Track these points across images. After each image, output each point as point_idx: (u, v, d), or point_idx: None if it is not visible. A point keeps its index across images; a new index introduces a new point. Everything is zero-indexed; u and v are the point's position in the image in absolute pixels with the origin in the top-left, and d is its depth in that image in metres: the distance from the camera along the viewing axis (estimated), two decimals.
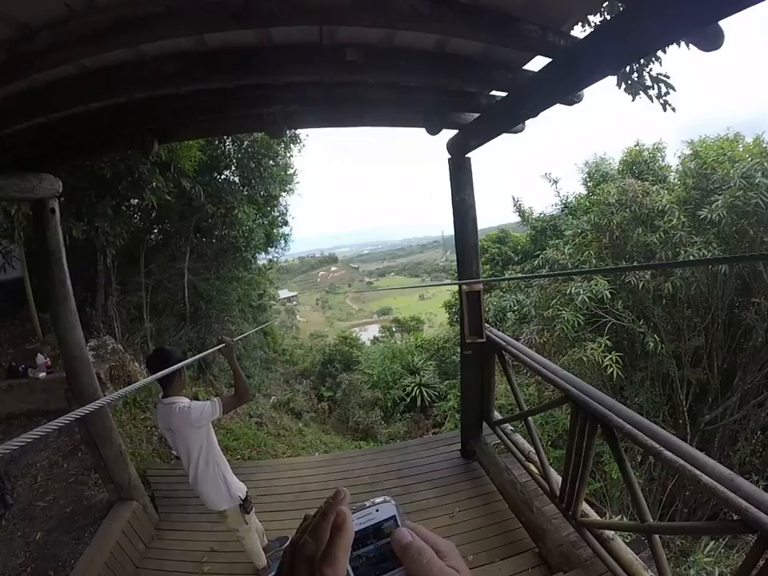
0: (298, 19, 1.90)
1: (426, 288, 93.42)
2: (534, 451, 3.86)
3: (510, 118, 3.13)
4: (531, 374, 8.48)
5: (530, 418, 3.81)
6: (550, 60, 2.37)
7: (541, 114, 2.74)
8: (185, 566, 3.74)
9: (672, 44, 1.65)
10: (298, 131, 12.28)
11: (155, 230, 10.56)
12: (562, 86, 2.35)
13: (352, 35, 2.34)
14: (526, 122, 3.29)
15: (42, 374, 6.16)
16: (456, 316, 14.20)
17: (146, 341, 9.10)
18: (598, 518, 3.17)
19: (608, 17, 2.28)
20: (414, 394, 15.73)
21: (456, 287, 3.96)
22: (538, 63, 2.79)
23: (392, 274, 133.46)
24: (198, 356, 2.59)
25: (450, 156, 3.91)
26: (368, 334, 35.51)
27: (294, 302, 73.16)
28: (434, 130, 3.56)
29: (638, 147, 10.46)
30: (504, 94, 3.07)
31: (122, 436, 5.39)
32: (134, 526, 3.99)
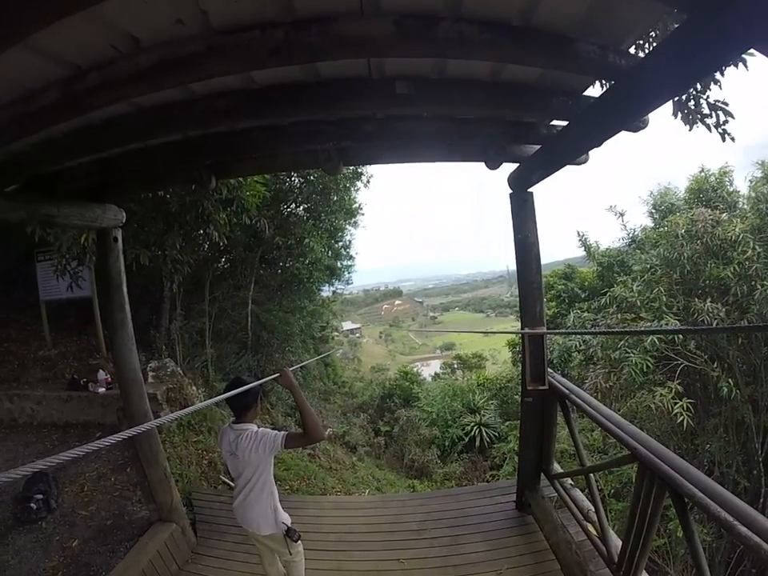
0: (342, 52, 1.85)
1: (491, 324, 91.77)
2: (593, 510, 3.52)
3: (572, 149, 2.93)
4: None
5: (591, 474, 3.49)
6: (612, 83, 2.21)
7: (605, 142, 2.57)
8: None
9: (744, 53, 1.46)
10: (362, 167, 12.53)
11: (222, 260, 10.89)
12: (627, 111, 2.15)
13: (402, 66, 2.28)
14: (590, 152, 3.12)
15: (102, 390, 6.41)
16: (519, 354, 13.71)
17: (207, 366, 9.31)
18: None
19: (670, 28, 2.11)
20: (473, 433, 15.27)
21: (518, 323, 3.78)
22: (597, 92, 2.64)
23: (456, 308, 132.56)
24: (253, 384, 2.56)
25: (511, 191, 3.73)
26: (430, 369, 35.11)
27: (357, 334, 73.75)
28: (493, 165, 3.43)
29: (703, 173, 9.83)
30: (565, 123, 2.90)
31: (172, 457, 5.54)
32: (170, 547, 4.04)
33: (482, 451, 14.85)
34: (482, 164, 3.46)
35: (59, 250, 5.33)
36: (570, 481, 4.03)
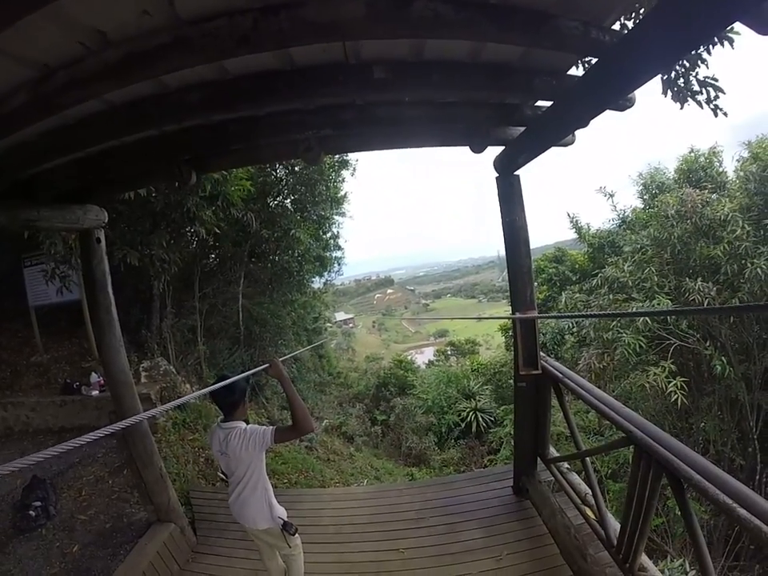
0: (313, 37, 1.80)
1: (483, 309, 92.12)
2: (590, 493, 3.53)
3: (557, 130, 2.87)
4: None
5: (587, 458, 3.50)
6: (596, 60, 2.17)
7: (591, 123, 2.54)
8: None
9: (729, 26, 1.43)
10: (348, 156, 12.45)
11: (212, 256, 10.82)
12: (612, 88, 2.09)
13: (378, 50, 2.21)
14: (577, 132, 3.08)
15: (95, 392, 6.32)
16: (512, 339, 13.71)
17: (200, 363, 9.25)
18: (659, 573, 2.82)
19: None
20: (469, 419, 15.33)
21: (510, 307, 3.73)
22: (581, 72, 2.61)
23: (448, 295, 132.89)
24: (241, 375, 2.55)
25: (497, 175, 3.69)
26: (424, 356, 35.14)
27: (351, 325, 73.68)
28: (478, 148, 3.38)
29: (692, 154, 9.85)
30: (549, 103, 2.86)
31: (169, 456, 5.54)
32: (169, 547, 4.03)
33: (478, 436, 14.91)
34: (467, 148, 3.41)
35: (50, 249, 5.23)
36: (566, 465, 4.04)
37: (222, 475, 5.97)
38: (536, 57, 2.41)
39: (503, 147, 3.51)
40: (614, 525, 3.14)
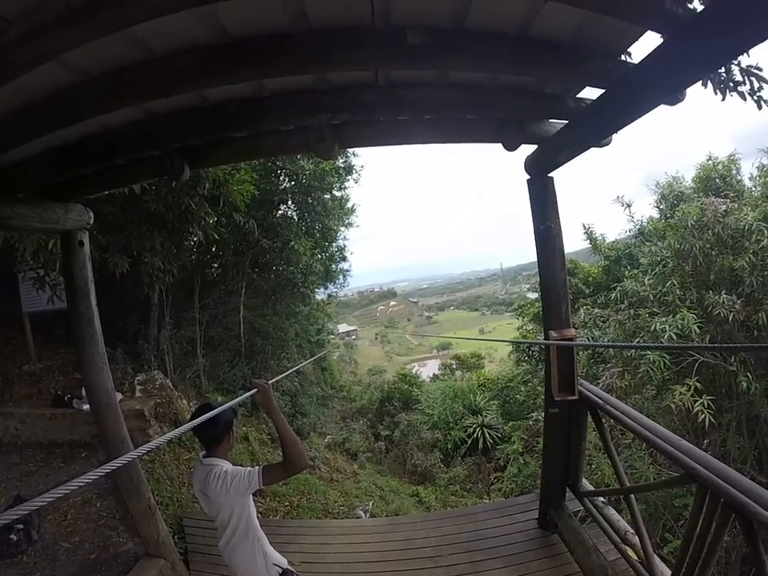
0: None
1: (487, 322, 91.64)
2: (631, 531, 3.13)
3: (606, 125, 2.47)
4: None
5: (632, 495, 3.09)
6: (664, 39, 1.81)
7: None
8: None
9: None
10: (353, 161, 12.27)
11: (215, 265, 10.53)
12: (686, 71, 1.77)
13: (412, 11, 1.81)
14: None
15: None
16: (525, 354, 13.28)
17: (199, 376, 8.87)
18: None
19: None
20: (475, 435, 14.90)
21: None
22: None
23: (451, 308, 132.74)
24: (224, 406, 2.13)
25: (529, 177, 3.34)
26: (427, 369, 34.77)
27: (353, 336, 73.34)
28: (511, 145, 2.97)
29: (710, 161, 9.52)
30: (594, 97, 2.51)
31: (162, 478, 5.32)
32: None
33: (485, 453, 14.54)
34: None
35: (25, 255, 4.82)
36: (601, 498, 3.64)
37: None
38: (592, 33, 2.05)
39: (536, 146, 3.13)
40: (662, 568, 2.83)
